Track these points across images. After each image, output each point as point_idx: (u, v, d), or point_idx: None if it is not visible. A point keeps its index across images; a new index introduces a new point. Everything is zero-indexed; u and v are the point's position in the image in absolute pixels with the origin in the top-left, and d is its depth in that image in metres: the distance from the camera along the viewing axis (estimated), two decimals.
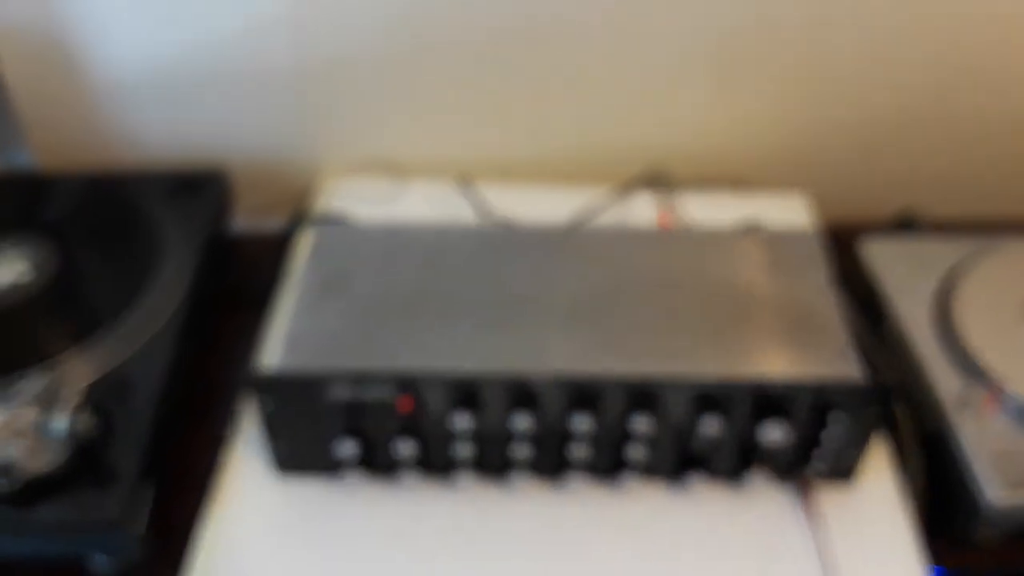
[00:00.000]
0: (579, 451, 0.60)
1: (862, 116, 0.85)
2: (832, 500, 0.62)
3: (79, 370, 0.63)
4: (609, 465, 0.62)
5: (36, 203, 0.77)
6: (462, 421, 0.58)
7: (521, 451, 0.60)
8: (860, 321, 0.73)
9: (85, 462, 0.58)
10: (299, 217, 0.82)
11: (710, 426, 0.58)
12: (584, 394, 0.58)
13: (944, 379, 0.65)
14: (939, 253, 0.74)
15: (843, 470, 0.62)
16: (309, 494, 0.63)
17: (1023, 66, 0.82)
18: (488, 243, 0.68)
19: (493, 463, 0.62)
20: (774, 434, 0.58)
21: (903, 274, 0.72)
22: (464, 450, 0.60)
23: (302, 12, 0.77)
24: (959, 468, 0.61)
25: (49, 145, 0.84)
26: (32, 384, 0.58)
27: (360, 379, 0.57)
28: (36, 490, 0.56)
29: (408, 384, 0.57)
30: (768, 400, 0.58)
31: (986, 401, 0.63)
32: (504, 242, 0.68)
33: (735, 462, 0.62)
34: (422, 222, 0.69)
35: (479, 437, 0.60)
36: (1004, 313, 0.68)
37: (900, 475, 0.64)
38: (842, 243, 0.76)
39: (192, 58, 0.80)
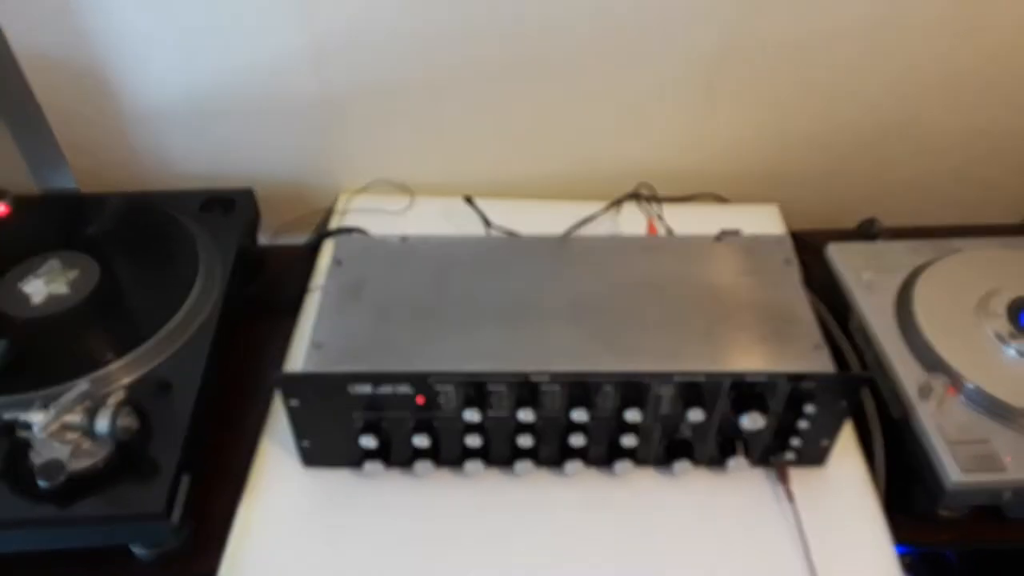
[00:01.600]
0: (577, 441, 0.60)
1: (832, 133, 0.85)
2: (806, 482, 0.62)
3: (120, 374, 0.62)
4: (605, 453, 0.62)
5: (78, 221, 0.76)
6: (471, 416, 0.57)
7: (525, 442, 0.60)
8: (830, 319, 0.72)
9: (126, 459, 0.57)
10: (321, 231, 0.81)
11: (696, 416, 0.58)
12: (582, 389, 0.57)
13: (906, 371, 0.65)
14: (901, 256, 0.74)
15: (816, 455, 0.62)
16: (333, 485, 0.62)
17: (991, 85, 0.82)
18: (493, 252, 0.68)
19: (500, 453, 0.61)
20: (754, 423, 0.58)
21: (868, 276, 0.72)
22: (473, 442, 0.60)
23: (322, 45, 0.77)
24: (922, 452, 0.61)
25: (88, 167, 0.83)
26: (77, 388, 0.57)
27: (379, 379, 0.57)
28: (81, 486, 0.56)
29: (422, 383, 0.57)
30: (748, 392, 0.58)
31: (946, 390, 0.62)
32: (507, 251, 0.68)
33: (719, 449, 0.61)
34: (433, 234, 0.69)
35: (487, 430, 0.60)
36: (962, 310, 0.68)
37: (867, 459, 0.64)
38: (811, 250, 0.75)
39: (220, 86, 0.79)
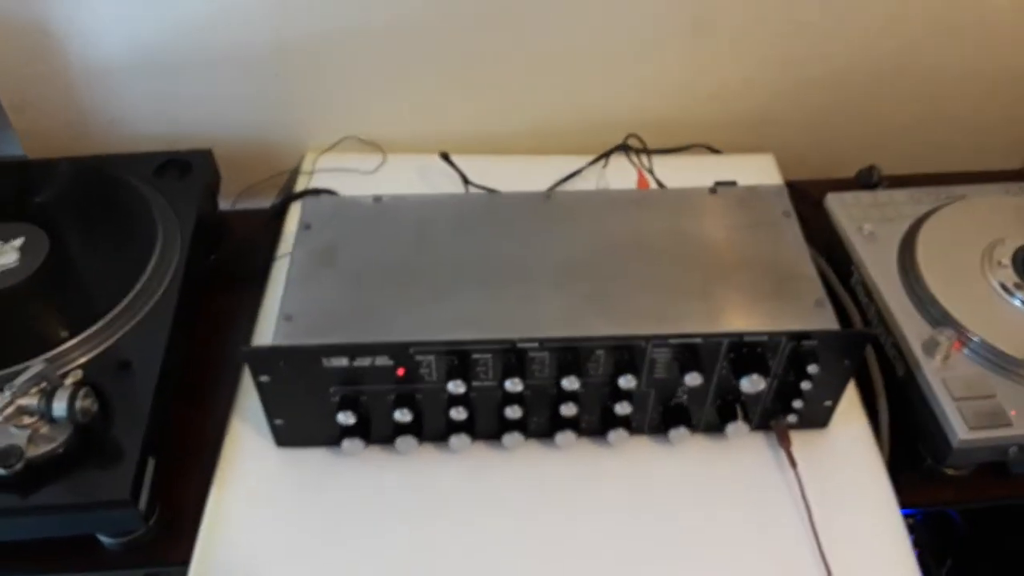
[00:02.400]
0: (569, 411, 0.58)
1: (826, 78, 0.83)
2: (808, 446, 0.61)
3: (76, 353, 0.60)
4: (598, 423, 0.60)
5: (25, 189, 0.73)
6: (456, 387, 0.56)
7: (513, 413, 0.58)
8: (830, 273, 0.71)
9: (87, 443, 0.55)
10: (287, 194, 0.79)
11: (693, 381, 0.56)
12: (572, 356, 0.56)
13: (911, 326, 0.64)
14: (902, 205, 0.73)
15: (819, 417, 0.61)
16: (309, 465, 0.60)
17: (985, 23, 0.80)
18: (473, 211, 0.65)
19: (487, 426, 0.60)
20: (754, 386, 0.57)
21: (869, 227, 0.71)
22: (459, 415, 0.58)
23: None
24: (928, 410, 0.60)
25: (35, 131, 0.80)
26: (30, 370, 0.55)
27: (355, 351, 0.55)
28: (40, 473, 0.53)
29: (402, 353, 0.55)
30: (747, 353, 0.56)
31: (952, 345, 0.61)
32: (488, 209, 0.66)
33: (718, 414, 0.60)
34: (408, 194, 0.66)
35: (472, 402, 0.58)
36: (967, 261, 0.67)
37: (871, 419, 0.63)
38: (808, 200, 0.74)
39: (174, 40, 0.76)
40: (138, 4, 0.73)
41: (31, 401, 0.53)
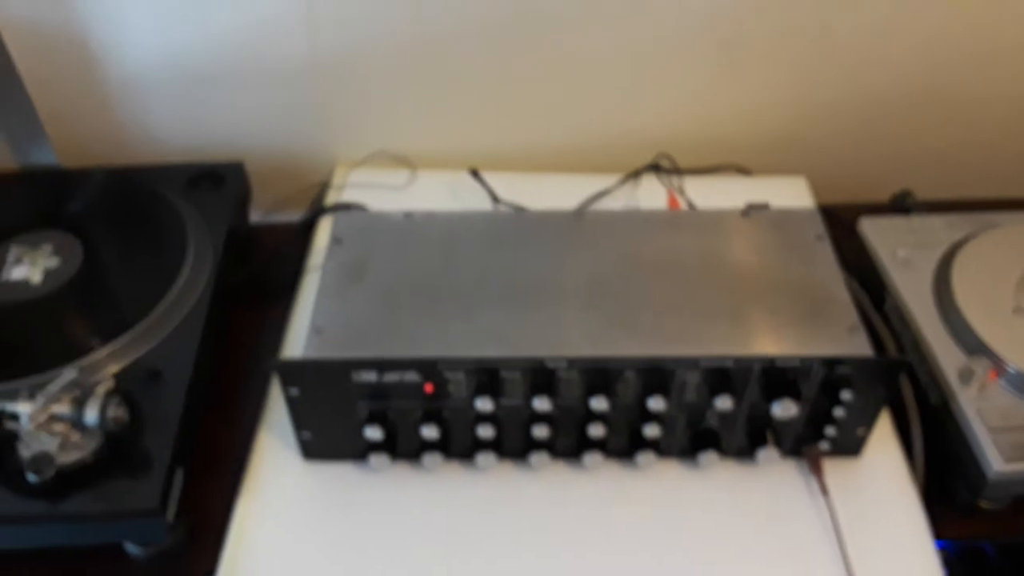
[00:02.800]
0: (597, 431, 0.59)
1: (859, 99, 0.83)
2: (841, 474, 0.61)
3: (108, 361, 0.61)
4: (626, 445, 0.61)
5: (59, 198, 0.74)
6: (483, 405, 0.56)
7: (541, 432, 0.59)
8: (864, 298, 0.71)
9: (117, 452, 0.56)
10: (317, 207, 0.80)
11: (723, 405, 0.57)
12: (601, 376, 0.56)
13: (946, 354, 0.63)
14: (938, 232, 0.73)
15: (852, 445, 0.61)
16: (335, 479, 0.61)
17: (1016, 47, 0.80)
18: (502, 228, 0.66)
19: (514, 445, 0.60)
20: (786, 411, 0.57)
21: (903, 252, 0.71)
22: (486, 433, 0.59)
23: (315, 8, 0.75)
24: (963, 440, 0.60)
25: (69, 141, 0.81)
26: (63, 377, 0.56)
27: (384, 366, 0.56)
28: (70, 480, 0.55)
29: (430, 370, 0.56)
30: (779, 378, 0.57)
31: (988, 375, 0.61)
32: (518, 227, 0.66)
33: (748, 439, 0.60)
34: (438, 210, 0.67)
35: (500, 420, 0.59)
36: (1003, 289, 0.67)
37: (905, 448, 0.63)
38: (841, 224, 0.74)
39: (208, 53, 0.78)
40: (174, 17, 0.75)
41: (63, 408, 0.54)
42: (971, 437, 0.59)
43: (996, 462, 0.57)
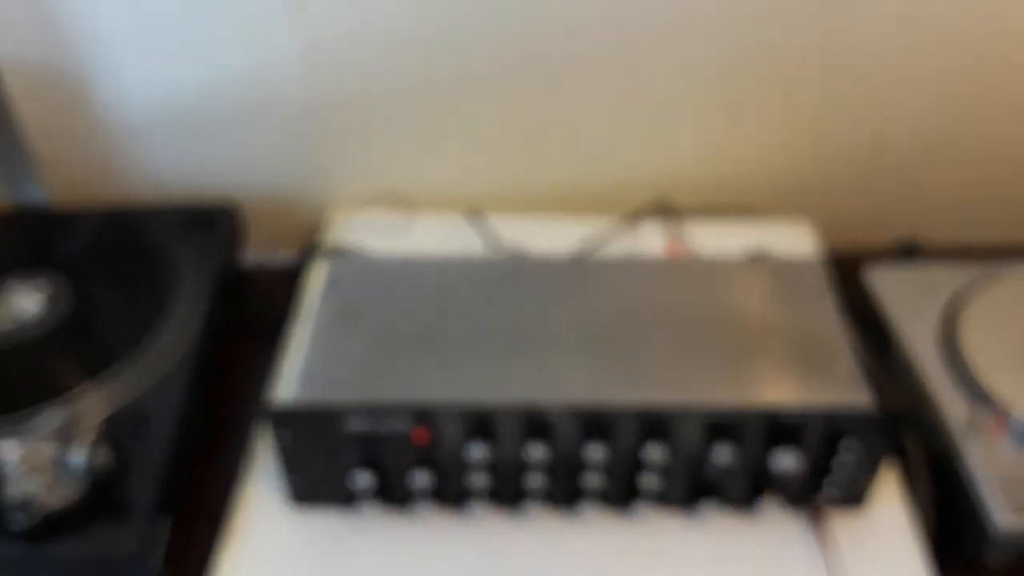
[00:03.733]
0: (593, 480, 0.59)
1: (865, 143, 0.85)
2: (843, 526, 0.61)
3: (95, 404, 0.62)
4: (622, 494, 0.61)
5: (49, 238, 0.76)
6: (477, 452, 0.57)
7: (535, 481, 0.59)
8: (867, 348, 0.72)
9: (102, 496, 0.57)
10: (311, 250, 0.82)
11: (722, 455, 0.57)
12: (597, 424, 0.57)
13: (951, 404, 0.64)
14: (944, 279, 0.74)
15: (854, 496, 0.62)
16: (324, 526, 0.62)
17: None
18: (499, 274, 0.68)
19: (507, 493, 0.61)
20: (786, 462, 0.58)
21: (908, 300, 0.72)
22: (479, 480, 0.59)
23: (312, 49, 0.77)
24: (968, 493, 0.60)
25: (61, 181, 0.83)
26: (49, 419, 0.57)
27: (376, 411, 0.57)
28: (54, 525, 0.55)
29: (423, 416, 0.57)
30: (779, 428, 0.58)
31: (993, 425, 0.62)
32: (515, 273, 0.68)
33: (747, 490, 0.61)
34: (433, 254, 0.69)
35: (494, 467, 0.59)
36: (1010, 338, 0.68)
37: (910, 500, 0.64)
38: (846, 270, 0.75)
39: (204, 94, 0.80)
40: (168, 59, 0.77)
41: (48, 451, 0.55)
42: (975, 490, 0.60)
43: (1001, 517, 0.58)
